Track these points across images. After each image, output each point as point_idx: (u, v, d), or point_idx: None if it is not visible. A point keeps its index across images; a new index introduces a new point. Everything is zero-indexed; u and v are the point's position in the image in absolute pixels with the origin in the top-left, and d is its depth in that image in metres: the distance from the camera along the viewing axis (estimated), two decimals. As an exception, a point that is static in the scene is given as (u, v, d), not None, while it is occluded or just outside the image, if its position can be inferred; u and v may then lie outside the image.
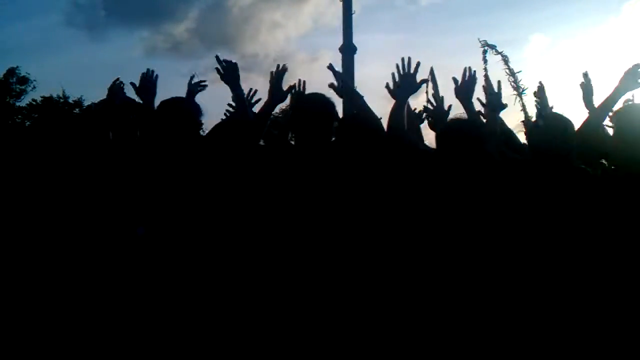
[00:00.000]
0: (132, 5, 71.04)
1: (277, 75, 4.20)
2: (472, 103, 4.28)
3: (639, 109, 3.89)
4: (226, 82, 4.09)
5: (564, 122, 3.77)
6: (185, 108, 4.21)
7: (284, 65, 4.21)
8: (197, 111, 4.28)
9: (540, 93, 4.50)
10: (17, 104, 28.96)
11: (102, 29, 69.97)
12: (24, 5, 69.04)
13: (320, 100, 4.04)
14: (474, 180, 3.57)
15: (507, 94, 16.47)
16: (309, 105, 4.00)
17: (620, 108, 3.94)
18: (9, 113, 27.19)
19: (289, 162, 3.88)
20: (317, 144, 3.88)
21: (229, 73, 4.08)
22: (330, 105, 4.03)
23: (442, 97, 4.83)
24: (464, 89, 4.27)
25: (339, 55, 15.18)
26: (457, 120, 4.01)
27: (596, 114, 4.06)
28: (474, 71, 4.28)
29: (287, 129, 4.46)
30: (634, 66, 3.99)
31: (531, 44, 69.58)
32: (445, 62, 74.75)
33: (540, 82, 4.55)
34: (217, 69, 4.08)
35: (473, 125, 3.88)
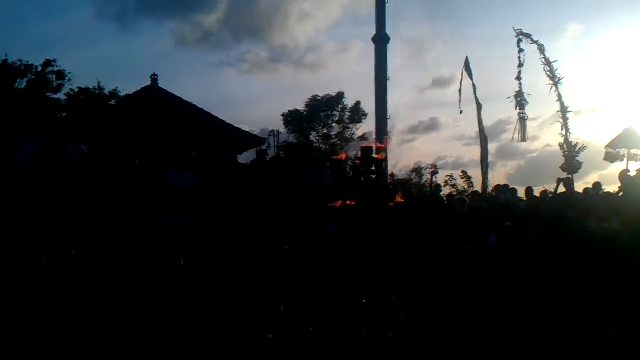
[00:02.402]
0: (162, -5, 71.93)
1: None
2: None
3: None
4: None
5: None
6: None
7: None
8: None
9: None
10: (55, 97, 29.56)
11: (132, 21, 71.08)
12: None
13: None
14: None
15: (543, 84, 16.18)
16: None
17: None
18: (47, 106, 27.76)
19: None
20: None
21: None
22: None
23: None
24: None
25: (372, 46, 15.10)
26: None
27: None
28: None
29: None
30: None
31: (567, 33, 68.13)
32: (480, 52, 74.07)
33: None
34: None
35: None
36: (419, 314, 4.50)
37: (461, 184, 32.29)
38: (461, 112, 15.48)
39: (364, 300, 3.79)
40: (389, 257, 5.20)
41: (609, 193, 12.65)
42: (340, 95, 41.27)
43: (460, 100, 14.86)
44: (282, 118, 40.69)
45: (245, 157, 24.60)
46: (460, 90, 14.48)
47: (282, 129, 39.32)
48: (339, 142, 40.44)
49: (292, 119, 40.60)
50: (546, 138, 73.19)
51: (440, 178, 32.14)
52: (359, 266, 4.62)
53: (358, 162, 7.91)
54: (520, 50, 15.33)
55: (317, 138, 41.14)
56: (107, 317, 4.05)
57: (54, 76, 29.07)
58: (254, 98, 77.82)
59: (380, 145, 8.47)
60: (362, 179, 7.27)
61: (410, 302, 4.73)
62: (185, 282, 4.00)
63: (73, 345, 3.94)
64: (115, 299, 4.06)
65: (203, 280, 4.08)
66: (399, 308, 3.94)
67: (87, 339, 4.00)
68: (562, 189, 12.75)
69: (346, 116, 41.25)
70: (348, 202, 5.71)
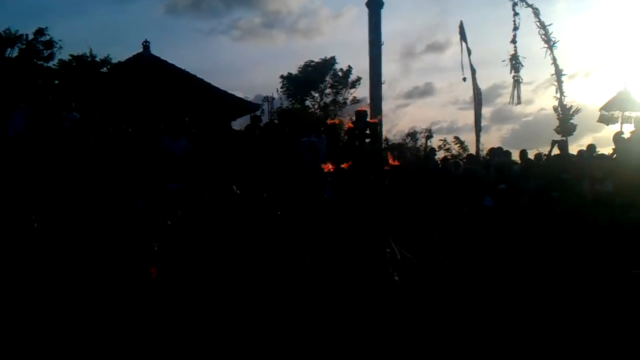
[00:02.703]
0: (155, -38, 70.72)
1: None
2: None
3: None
4: None
5: None
6: None
7: None
8: None
9: None
10: (46, 65, 29.18)
11: (125, -13, 69.97)
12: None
13: None
14: None
15: (538, 47, 16.09)
16: None
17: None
18: (39, 74, 27.47)
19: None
20: None
21: None
22: None
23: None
24: None
25: (365, 10, 14.94)
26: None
27: None
28: None
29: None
30: None
31: (562, -4, 67.41)
32: (474, 15, 73.27)
33: None
34: None
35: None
36: (415, 278, 4.53)
37: (455, 148, 32.28)
38: (464, 79, 15.55)
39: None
40: (385, 219, 5.21)
41: (602, 155, 12.67)
42: (331, 60, 40.96)
43: (462, 68, 14.96)
44: (280, 80, 40.55)
45: (239, 124, 24.53)
46: (462, 59, 14.58)
47: (276, 95, 39.10)
48: (332, 107, 40.27)
49: (289, 82, 40.41)
50: (541, 102, 72.90)
51: (434, 142, 32.08)
52: (354, 229, 4.65)
53: (352, 126, 7.89)
54: (515, 14, 15.21)
55: (313, 104, 41.00)
56: (99, 282, 4.08)
57: (42, 43, 28.66)
58: (247, 64, 77.19)
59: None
60: (357, 143, 7.27)
61: (406, 266, 4.77)
62: (175, 244, 4.03)
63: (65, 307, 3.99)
64: (106, 262, 4.09)
65: (196, 246, 4.10)
66: (400, 252, 3.97)
67: (79, 303, 4.05)
68: (556, 151, 12.76)
69: (338, 80, 41.00)
70: (343, 166, 5.68)
